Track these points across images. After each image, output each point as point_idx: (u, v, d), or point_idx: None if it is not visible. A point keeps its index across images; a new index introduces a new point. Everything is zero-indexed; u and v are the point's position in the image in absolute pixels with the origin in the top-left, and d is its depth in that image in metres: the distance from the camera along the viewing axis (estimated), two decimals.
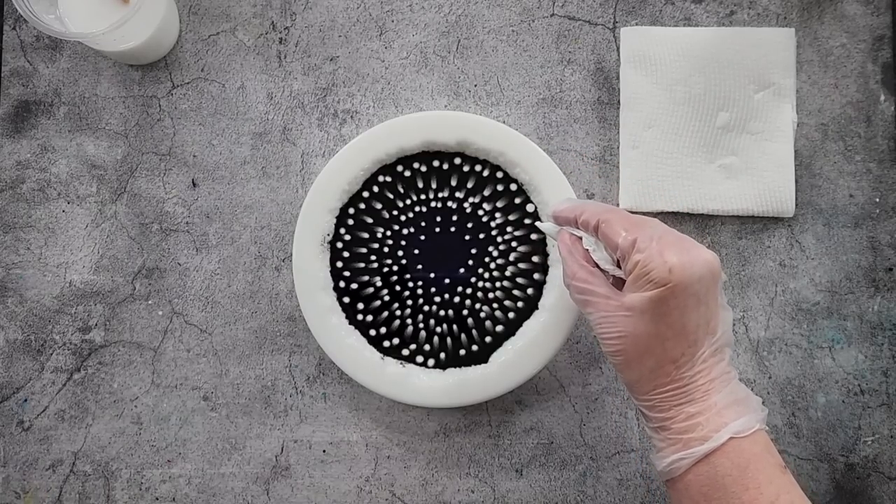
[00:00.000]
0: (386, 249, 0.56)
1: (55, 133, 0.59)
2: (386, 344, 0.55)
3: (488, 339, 0.55)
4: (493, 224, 0.56)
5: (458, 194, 0.56)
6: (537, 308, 0.55)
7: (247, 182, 0.59)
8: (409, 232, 0.56)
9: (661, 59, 0.57)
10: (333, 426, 0.57)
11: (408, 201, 0.56)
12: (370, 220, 0.56)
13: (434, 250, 0.56)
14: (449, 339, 0.55)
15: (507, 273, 0.56)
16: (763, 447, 0.41)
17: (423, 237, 0.56)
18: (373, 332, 0.56)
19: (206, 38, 0.59)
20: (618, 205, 0.58)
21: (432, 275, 0.56)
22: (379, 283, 0.56)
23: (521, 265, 0.55)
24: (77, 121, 0.59)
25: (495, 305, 0.55)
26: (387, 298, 0.56)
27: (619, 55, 0.58)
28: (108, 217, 0.58)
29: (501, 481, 0.57)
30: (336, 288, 0.56)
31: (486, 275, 0.56)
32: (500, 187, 0.56)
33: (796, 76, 0.58)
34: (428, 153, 0.56)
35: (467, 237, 0.56)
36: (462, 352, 0.55)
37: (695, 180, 0.57)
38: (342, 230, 0.56)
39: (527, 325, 0.55)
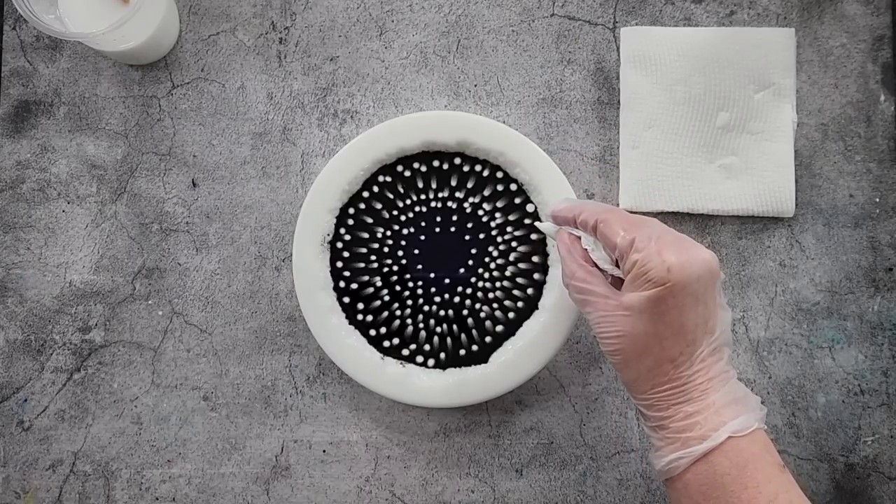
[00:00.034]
0: (386, 249, 0.56)
1: (55, 133, 0.59)
2: (386, 344, 0.56)
3: (488, 339, 0.55)
4: (493, 224, 0.56)
5: (458, 194, 0.56)
6: (537, 308, 0.55)
7: (247, 182, 0.59)
8: (409, 232, 0.56)
9: (661, 59, 0.57)
10: (333, 426, 0.57)
11: (408, 201, 0.56)
12: (370, 220, 0.56)
13: (434, 250, 0.56)
14: (449, 339, 0.55)
15: (507, 273, 0.56)
16: (762, 446, 0.41)
17: (423, 237, 0.56)
18: (373, 332, 0.56)
19: (206, 38, 0.59)
20: (618, 205, 0.58)
21: (432, 275, 0.56)
22: (379, 283, 0.56)
23: (521, 265, 0.55)
24: (77, 121, 0.59)
25: (495, 305, 0.55)
26: (387, 298, 0.56)
27: (619, 55, 0.58)
28: (108, 217, 0.58)
29: (501, 481, 0.57)
30: (336, 288, 0.56)
31: (486, 275, 0.56)
32: (500, 187, 0.56)
33: (796, 76, 0.57)
34: (428, 153, 0.56)
35: (467, 237, 0.56)
36: (462, 352, 0.55)
37: (695, 180, 0.57)
38: (342, 230, 0.56)
39: (527, 325, 0.55)
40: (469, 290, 0.56)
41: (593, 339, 0.57)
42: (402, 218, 0.56)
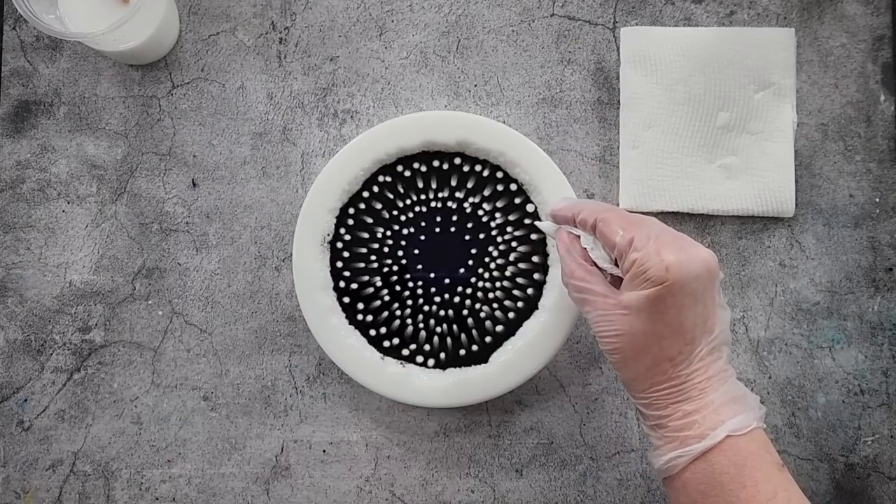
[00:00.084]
0: (386, 249, 0.56)
1: (55, 133, 0.59)
2: (386, 344, 0.56)
3: (488, 339, 0.55)
4: (493, 224, 0.56)
5: (458, 194, 0.56)
6: (537, 308, 0.55)
7: (247, 182, 0.59)
8: (409, 232, 0.56)
9: (661, 59, 0.57)
10: (333, 426, 0.57)
11: (408, 201, 0.56)
12: (370, 220, 0.56)
13: (434, 250, 0.56)
14: (449, 339, 0.55)
15: (507, 273, 0.56)
16: (760, 445, 0.41)
17: (423, 237, 0.56)
18: (373, 332, 0.56)
19: (206, 38, 0.59)
20: (618, 205, 0.58)
21: (432, 275, 0.56)
22: (379, 283, 0.56)
23: (521, 265, 0.55)
24: (77, 121, 0.59)
25: (495, 305, 0.55)
26: (387, 298, 0.56)
27: (619, 55, 0.58)
28: (108, 217, 0.58)
29: (501, 481, 0.57)
30: (336, 288, 0.56)
31: (486, 275, 0.56)
32: (500, 187, 0.56)
33: (796, 76, 0.57)
34: (428, 153, 0.56)
35: (467, 237, 0.56)
36: (462, 352, 0.55)
37: (695, 180, 0.57)
38: (342, 230, 0.56)
39: (527, 325, 0.55)
40: (469, 290, 0.56)
41: (593, 339, 0.57)
42: (402, 218, 0.56)
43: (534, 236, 0.55)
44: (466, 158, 0.56)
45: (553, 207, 0.49)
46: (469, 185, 0.56)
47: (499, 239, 0.56)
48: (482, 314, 0.55)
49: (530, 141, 0.55)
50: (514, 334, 0.55)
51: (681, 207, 0.57)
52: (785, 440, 0.56)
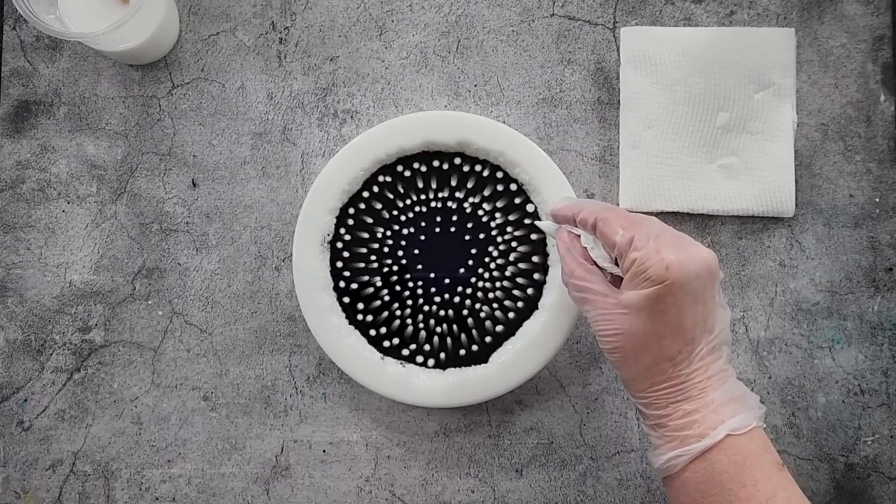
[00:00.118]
0: (386, 249, 0.56)
1: (55, 133, 0.59)
2: (386, 344, 0.55)
3: (488, 339, 0.55)
4: (493, 224, 0.56)
5: (458, 194, 0.56)
6: (537, 308, 0.55)
7: (247, 182, 0.59)
8: (409, 232, 0.56)
9: (661, 59, 0.57)
10: (333, 426, 0.57)
11: (408, 201, 0.56)
12: (370, 220, 0.56)
13: (434, 250, 0.56)
14: (449, 339, 0.55)
15: (507, 273, 0.56)
16: (760, 444, 0.41)
17: (423, 237, 0.56)
18: (373, 332, 0.56)
19: (206, 38, 0.59)
20: (618, 205, 0.58)
21: (432, 275, 0.56)
22: (379, 283, 0.56)
23: (521, 265, 0.55)
24: (77, 121, 0.59)
25: (495, 305, 0.55)
26: (387, 298, 0.56)
27: (619, 55, 0.58)
28: (108, 217, 0.58)
29: (501, 481, 0.57)
30: (336, 288, 0.56)
31: (486, 275, 0.56)
32: (500, 187, 0.56)
33: (796, 76, 0.57)
34: (428, 153, 0.56)
35: (467, 237, 0.56)
36: (462, 352, 0.55)
37: (695, 180, 0.57)
38: (342, 230, 0.56)
39: (527, 325, 0.55)
40: (469, 290, 0.56)
41: (593, 338, 0.57)
42: (402, 218, 0.56)
43: (534, 236, 0.55)
44: (466, 158, 0.56)
45: (553, 207, 0.49)
46: (469, 185, 0.56)
47: (499, 239, 0.56)
48: (482, 314, 0.55)
49: (530, 141, 0.55)
50: (514, 334, 0.55)
51: (681, 207, 0.57)
52: (785, 440, 0.56)
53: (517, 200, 0.56)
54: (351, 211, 0.56)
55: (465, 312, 0.55)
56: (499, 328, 0.55)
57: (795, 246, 0.57)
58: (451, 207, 0.56)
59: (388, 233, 0.56)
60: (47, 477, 0.57)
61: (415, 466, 0.57)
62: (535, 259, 0.55)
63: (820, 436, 0.56)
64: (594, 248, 0.45)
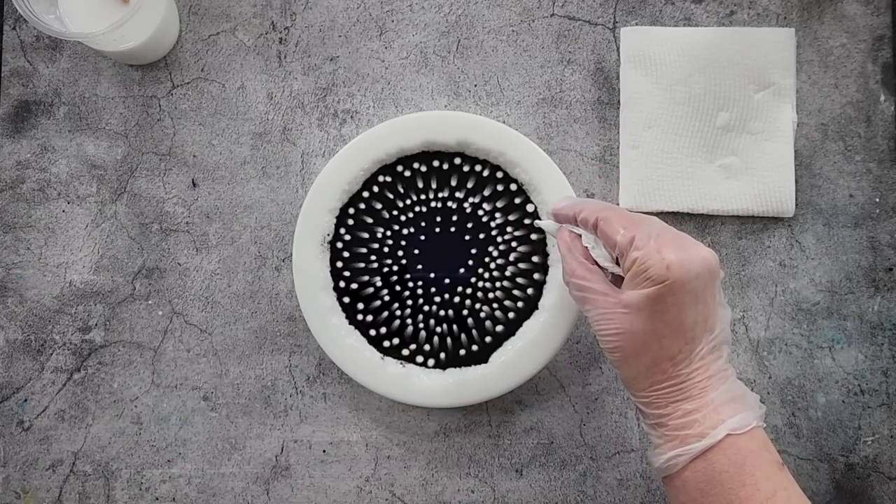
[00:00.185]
0: (386, 249, 0.56)
1: (55, 133, 0.59)
2: (386, 344, 0.55)
3: (488, 339, 0.55)
4: (493, 224, 0.56)
5: (458, 194, 0.56)
6: (537, 308, 0.55)
7: (247, 182, 0.59)
8: (409, 232, 0.56)
9: (661, 59, 0.57)
10: (333, 426, 0.57)
11: (408, 201, 0.56)
12: (370, 220, 0.56)
13: (434, 250, 0.56)
14: (449, 339, 0.55)
15: (507, 273, 0.56)
16: (760, 444, 0.41)
17: (423, 237, 0.56)
18: (373, 332, 0.56)
19: (206, 38, 0.59)
20: (618, 205, 0.58)
21: (432, 275, 0.56)
22: (379, 283, 0.56)
23: (521, 265, 0.55)
24: (77, 121, 0.59)
25: (495, 305, 0.55)
26: (387, 298, 0.56)
27: (619, 55, 0.58)
28: (108, 217, 0.58)
29: (501, 481, 0.57)
30: (336, 288, 0.56)
31: (486, 275, 0.56)
32: (500, 187, 0.56)
33: (796, 76, 0.58)
34: (428, 153, 0.56)
35: (467, 237, 0.56)
36: (462, 352, 0.55)
37: (695, 180, 0.57)
38: (342, 230, 0.56)
39: (527, 325, 0.55)
40: (469, 290, 0.56)
41: (593, 338, 0.57)
42: (402, 218, 0.56)
43: (534, 236, 0.55)
44: (466, 158, 0.56)
45: (554, 206, 0.49)
46: (469, 185, 0.56)
47: (499, 239, 0.56)
48: (482, 314, 0.55)
49: (530, 141, 0.55)
50: (514, 334, 0.55)
51: (681, 207, 0.57)
52: (785, 440, 0.56)
53: (517, 200, 0.56)
54: (351, 211, 0.56)
55: (465, 312, 0.55)
56: (499, 328, 0.55)
57: (795, 246, 0.57)
58: (451, 207, 0.56)
59: (388, 233, 0.56)
60: (47, 477, 0.57)
61: (415, 466, 0.57)
62: (535, 259, 0.55)
63: (820, 436, 0.56)
64: (595, 248, 0.45)
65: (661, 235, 0.41)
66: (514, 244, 0.56)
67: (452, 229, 0.56)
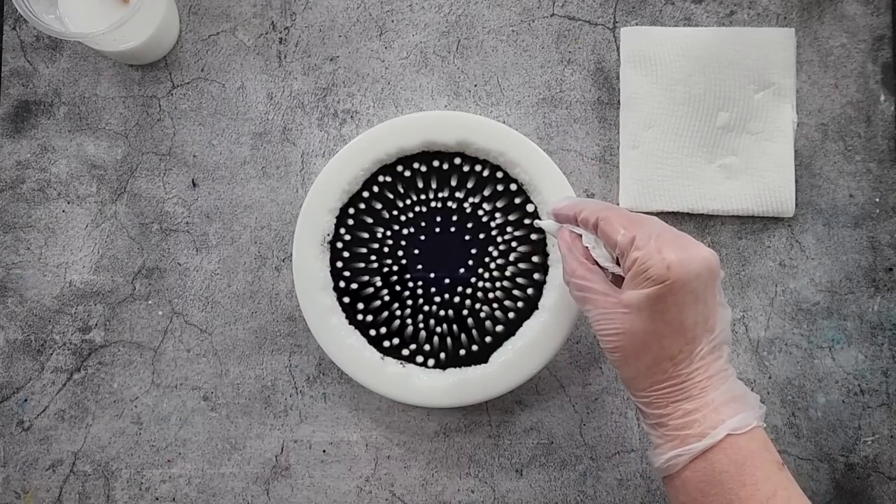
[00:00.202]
0: (386, 249, 0.56)
1: (55, 133, 0.59)
2: (386, 344, 0.55)
3: (488, 339, 0.55)
4: (493, 224, 0.56)
5: (458, 194, 0.56)
6: (537, 308, 0.55)
7: (247, 182, 0.59)
8: (409, 232, 0.56)
9: (661, 59, 0.57)
10: (333, 426, 0.57)
11: (408, 201, 0.56)
12: (370, 220, 0.56)
13: (434, 250, 0.56)
14: (449, 339, 0.55)
15: (507, 273, 0.56)
16: (760, 444, 0.41)
17: (423, 237, 0.56)
18: (373, 332, 0.56)
19: (206, 38, 0.59)
20: (618, 205, 0.58)
21: (432, 275, 0.56)
22: (379, 283, 0.56)
23: (521, 265, 0.55)
24: (77, 121, 0.59)
25: (495, 305, 0.55)
26: (387, 298, 0.56)
27: (619, 55, 0.58)
28: (108, 217, 0.58)
29: (501, 481, 0.57)
30: (336, 288, 0.56)
31: (486, 275, 0.56)
32: (500, 187, 0.56)
33: (796, 76, 0.58)
34: (428, 153, 0.56)
35: (467, 237, 0.56)
36: (462, 352, 0.55)
37: (695, 180, 0.57)
38: (342, 230, 0.56)
39: (527, 325, 0.55)
40: (469, 290, 0.56)
41: (593, 338, 0.57)
42: (402, 218, 0.56)
43: (534, 236, 0.55)
44: (466, 158, 0.56)
45: (555, 206, 0.49)
46: (469, 185, 0.56)
47: (499, 239, 0.56)
48: (482, 314, 0.55)
49: (530, 141, 0.55)
50: (514, 334, 0.55)
51: (681, 207, 0.57)
52: (785, 440, 0.56)
53: (517, 200, 0.56)
54: (351, 211, 0.56)
55: (465, 312, 0.55)
56: (499, 328, 0.55)
57: (795, 246, 0.57)
58: (451, 207, 0.56)
59: (388, 233, 0.56)
60: (47, 477, 0.57)
61: (415, 466, 0.57)
62: (535, 259, 0.55)
63: (820, 436, 0.56)
64: (595, 248, 0.45)
65: (661, 235, 0.41)
66: (514, 244, 0.56)
67: (452, 229, 0.56)
